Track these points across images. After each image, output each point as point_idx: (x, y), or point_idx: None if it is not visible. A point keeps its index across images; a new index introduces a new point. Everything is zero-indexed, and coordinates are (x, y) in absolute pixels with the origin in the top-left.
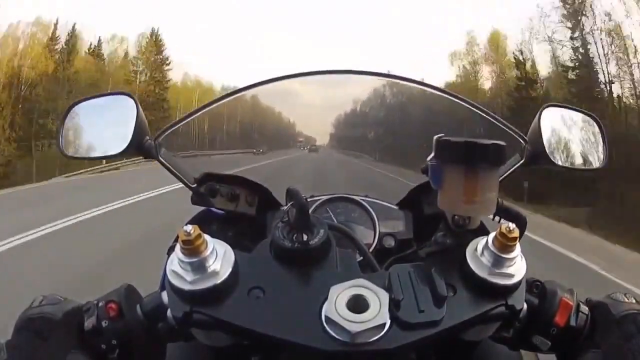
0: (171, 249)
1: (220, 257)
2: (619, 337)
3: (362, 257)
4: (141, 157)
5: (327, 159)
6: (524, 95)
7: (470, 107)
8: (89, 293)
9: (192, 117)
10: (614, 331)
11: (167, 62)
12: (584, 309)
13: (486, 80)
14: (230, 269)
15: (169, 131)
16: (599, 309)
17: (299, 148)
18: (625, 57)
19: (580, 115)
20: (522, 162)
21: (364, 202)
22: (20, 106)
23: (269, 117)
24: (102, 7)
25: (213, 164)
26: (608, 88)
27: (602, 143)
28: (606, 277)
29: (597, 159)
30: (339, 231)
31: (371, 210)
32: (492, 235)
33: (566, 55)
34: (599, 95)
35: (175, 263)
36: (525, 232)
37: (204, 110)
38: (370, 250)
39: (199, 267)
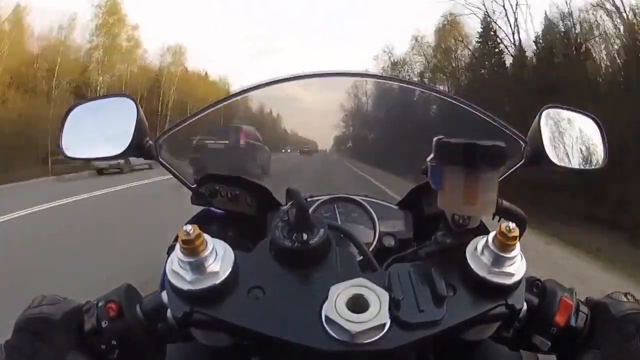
0: (171, 249)
1: (220, 257)
2: (618, 338)
3: (362, 257)
4: None
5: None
6: None
7: (470, 109)
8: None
9: (192, 120)
10: (614, 331)
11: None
12: (584, 308)
13: None
14: (229, 269)
15: (169, 133)
16: (599, 308)
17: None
18: None
19: (579, 115)
20: (522, 162)
21: (363, 202)
22: None
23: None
24: None
25: None
26: None
27: (601, 143)
28: None
29: (597, 160)
30: (339, 231)
31: (371, 210)
32: (492, 234)
33: None
34: None
35: (175, 263)
36: None
37: (204, 113)
38: (370, 249)
39: (199, 267)
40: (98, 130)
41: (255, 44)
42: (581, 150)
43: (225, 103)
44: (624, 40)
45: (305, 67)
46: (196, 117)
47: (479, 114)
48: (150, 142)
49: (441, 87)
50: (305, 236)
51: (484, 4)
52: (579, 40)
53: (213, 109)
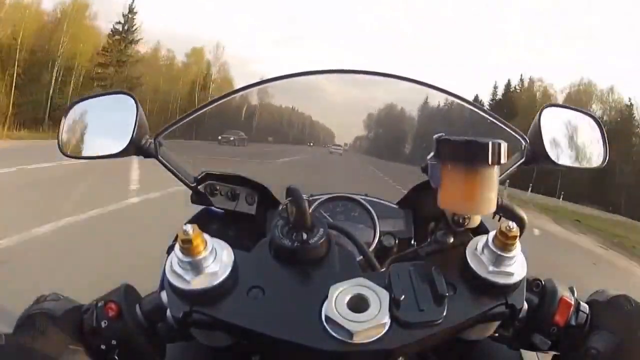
0: (170, 249)
1: (219, 257)
2: (625, 327)
3: (362, 256)
4: None
5: None
6: None
7: (472, 107)
8: None
9: (194, 115)
10: (611, 313)
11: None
12: (584, 307)
13: None
14: (229, 269)
15: (168, 130)
16: (603, 308)
17: None
18: None
19: (579, 114)
20: (522, 161)
21: (363, 201)
22: None
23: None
24: None
25: None
26: None
27: (601, 142)
28: None
29: (596, 158)
30: (338, 230)
31: (371, 209)
32: (492, 233)
33: None
34: None
35: (175, 263)
36: None
37: (207, 109)
38: (370, 249)
39: (198, 267)
40: (98, 128)
41: (277, 27)
42: (581, 149)
43: (224, 100)
44: None
45: (328, 59)
46: (198, 114)
47: (481, 112)
48: (150, 140)
49: None
50: (305, 235)
51: None
52: None
53: (213, 106)
